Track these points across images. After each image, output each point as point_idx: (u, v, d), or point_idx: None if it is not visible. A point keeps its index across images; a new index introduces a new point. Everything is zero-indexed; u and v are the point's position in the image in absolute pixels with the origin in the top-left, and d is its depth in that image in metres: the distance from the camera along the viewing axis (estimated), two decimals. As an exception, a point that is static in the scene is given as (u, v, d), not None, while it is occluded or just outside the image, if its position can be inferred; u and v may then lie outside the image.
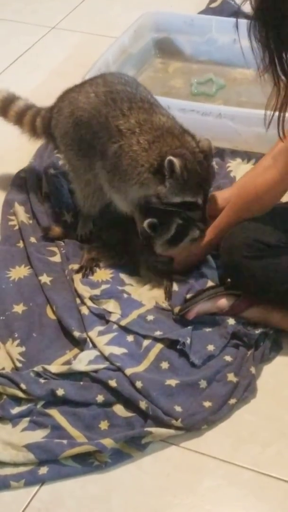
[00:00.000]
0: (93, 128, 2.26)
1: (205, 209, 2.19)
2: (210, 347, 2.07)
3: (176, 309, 2.14)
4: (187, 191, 2.14)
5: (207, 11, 3.44)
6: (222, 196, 2.29)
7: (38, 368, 2.04)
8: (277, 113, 1.83)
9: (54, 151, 2.62)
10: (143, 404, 1.93)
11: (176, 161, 2.09)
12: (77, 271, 2.32)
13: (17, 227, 2.50)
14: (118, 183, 2.23)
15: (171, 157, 2.09)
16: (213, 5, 3.46)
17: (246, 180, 2.16)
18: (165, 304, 2.21)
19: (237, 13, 3.24)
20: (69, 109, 2.33)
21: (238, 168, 2.64)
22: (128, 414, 1.95)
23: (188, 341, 2.06)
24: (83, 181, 2.36)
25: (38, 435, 1.92)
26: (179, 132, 2.20)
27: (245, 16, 3.31)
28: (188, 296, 2.13)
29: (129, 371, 2.00)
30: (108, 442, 1.87)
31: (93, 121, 2.26)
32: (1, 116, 2.59)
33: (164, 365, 2.05)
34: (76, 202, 2.45)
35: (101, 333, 2.12)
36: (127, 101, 2.24)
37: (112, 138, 2.21)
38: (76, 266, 2.33)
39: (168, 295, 2.22)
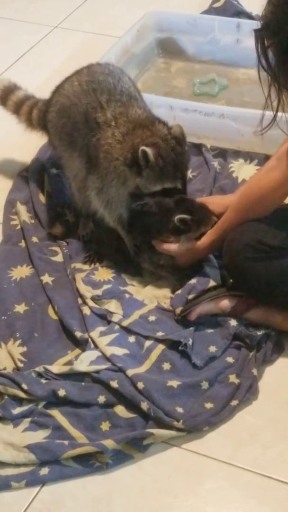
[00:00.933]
0: (73, 118, 2.27)
1: (185, 193, 2.22)
2: (212, 348, 2.07)
3: (178, 310, 2.14)
4: (165, 177, 2.15)
5: (210, 11, 3.43)
6: (221, 201, 2.27)
7: (39, 368, 2.04)
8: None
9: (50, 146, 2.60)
10: (144, 405, 1.93)
11: (149, 150, 2.10)
12: (85, 261, 2.34)
13: (19, 227, 2.50)
14: (98, 181, 2.23)
15: (143, 147, 2.10)
16: (216, 5, 3.46)
17: (251, 182, 2.16)
18: (167, 305, 2.20)
19: (240, 13, 3.28)
20: (56, 98, 2.36)
21: (241, 169, 2.64)
22: (130, 415, 1.95)
23: (190, 342, 2.05)
24: (71, 172, 2.36)
25: (39, 436, 1.91)
26: (150, 122, 2.20)
27: (248, 16, 3.34)
28: (190, 296, 2.13)
29: (130, 372, 2.00)
30: (109, 443, 1.86)
31: (73, 109, 2.27)
32: (0, 104, 2.61)
33: (166, 366, 2.04)
34: (72, 198, 2.44)
35: (102, 334, 2.11)
36: (107, 92, 2.25)
37: (92, 131, 2.22)
38: (78, 265, 2.33)
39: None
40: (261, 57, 1.72)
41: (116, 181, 2.20)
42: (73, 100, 2.27)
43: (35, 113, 2.52)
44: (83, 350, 2.09)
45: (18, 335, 2.15)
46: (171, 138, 2.17)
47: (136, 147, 2.13)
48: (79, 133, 2.26)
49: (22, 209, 2.54)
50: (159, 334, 2.10)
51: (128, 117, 2.20)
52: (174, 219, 2.17)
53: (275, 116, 1.87)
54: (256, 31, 1.70)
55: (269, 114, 1.88)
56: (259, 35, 1.69)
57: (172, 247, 2.22)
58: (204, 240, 2.19)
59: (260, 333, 2.08)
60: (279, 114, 1.86)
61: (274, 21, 1.65)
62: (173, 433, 1.90)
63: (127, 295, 2.22)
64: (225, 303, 2.14)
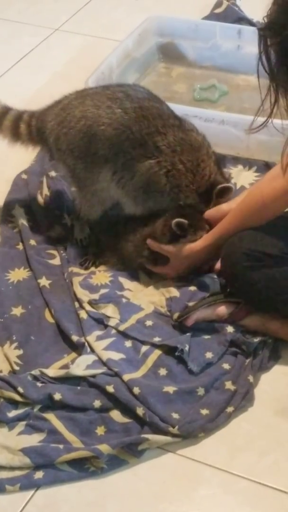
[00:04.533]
0: (121, 145, 2.24)
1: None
2: (209, 355, 2.07)
3: (175, 315, 2.14)
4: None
5: (211, 16, 3.44)
6: (219, 208, 2.27)
7: (35, 372, 2.03)
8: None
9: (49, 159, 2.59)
10: (140, 411, 1.93)
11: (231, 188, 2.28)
12: (81, 264, 2.34)
13: (17, 229, 2.50)
14: (145, 198, 2.28)
15: (229, 185, 2.28)
16: (218, 10, 3.47)
17: (253, 189, 2.16)
18: (164, 310, 2.20)
19: (241, 19, 3.29)
20: (84, 123, 2.26)
21: (240, 175, 2.64)
22: (125, 420, 1.94)
23: (187, 348, 2.05)
24: (89, 191, 2.33)
25: (34, 439, 1.91)
26: (211, 153, 2.30)
27: (249, 23, 3.35)
28: (191, 304, 2.13)
29: (126, 376, 2.00)
30: (104, 447, 1.86)
31: (122, 136, 2.23)
32: None
33: (162, 371, 2.04)
34: (76, 209, 2.43)
35: (99, 338, 2.11)
36: (159, 117, 2.25)
37: (148, 153, 2.23)
38: (76, 269, 2.33)
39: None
40: (262, 56, 1.73)
41: (169, 200, 2.26)
42: (119, 128, 2.23)
43: (23, 128, 2.43)
44: (80, 354, 2.09)
45: (14, 338, 2.14)
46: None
47: (212, 181, 2.26)
48: (124, 156, 2.25)
49: (20, 211, 2.54)
50: (156, 339, 2.10)
51: (191, 144, 2.25)
52: (172, 223, 2.18)
53: (270, 115, 1.88)
54: (259, 30, 1.71)
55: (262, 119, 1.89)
56: (263, 34, 1.70)
57: (166, 247, 2.22)
58: (200, 244, 2.19)
59: (256, 340, 2.08)
60: (279, 121, 1.87)
61: (278, 20, 1.66)
62: (168, 438, 1.90)
63: (124, 300, 2.22)
64: (222, 310, 2.14)
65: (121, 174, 2.27)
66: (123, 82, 2.61)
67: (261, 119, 2.02)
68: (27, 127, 2.43)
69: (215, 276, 2.23)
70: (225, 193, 2.24)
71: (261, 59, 1.72)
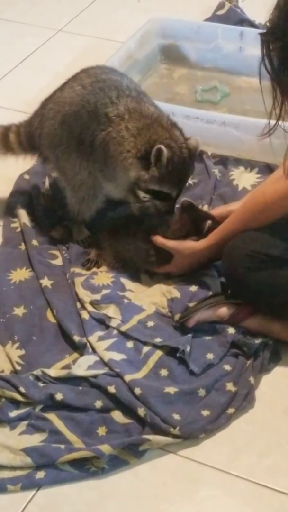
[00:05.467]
0: (81, 119, 2.26)
1: (175, 203, 2.26)
2: (210, 356, 2.07)
3: (177, 316, 2.15)
4: (166, 182, 2.19)
5: (214, 18, 3.45)
6: (226, 207, 2.28)
7: (37, 372, 2.04)
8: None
9: (42, 163, 2.59)
10: (141, 411, 1.93)
11: (165, 150, 2.13)
12: (83, 264, 2.35)
13: (19, 230, 2.51)
14: (107, 171, 2.26)
15: (161, 146, 2.14)
16: (220, 12, 3.47)
17: (256, 191, 2.16)
18: (165, 310, 2.21)
19: (243, 21, 3.29)
20: (54, 110, 2.34)
21: (241, 177, 2.65)
22: (126, 420, 1.95)
23: (188, 349, 2.06)
24: (77, 182, 2.35)
25: (35, 439, 1.92)
26: (168, 124, 2.24)
27: (251, 24, 3.35)
28: (192, 304, 2.13)
29: (128, 377, 2.00)
30: (105, 448, 1.87)
31: (81, 111, 2.26)
32: None
33: (163, 372, 2.05)
34: (69, 209, 2.44)
35: (101, 338, 2.12)
36: (115, 89, 2.26)
37: (101, 125, 2.23)
38: (78, 269, 2.33)
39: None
40: (265, 61, 1.74)
41: (122, 172, 2.23)
42: (79, 103, 2.27)
43: (12, 137, 2.47)
44: (81, 355, 2.10)
45: (16, 338, 2.15)
46: (185, 148, 2.20)
47: (152, 143, 2.16)
48: (87, 133, 2.26)
49: (22, 212, 2.55)
50: (157, 340, 2.10)
51: (142, 112, 2.23)
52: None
53: (278, 121, 1.88)
54: (261, 34, 1.72)
55: (273, 123, 1.89)
56: (265, 39, 1.71)
57: (171, 243, 2.23)
58: (203, 243, 2.20)
59: (257, 341, 2.09)
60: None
61: (280, 25, 1.67)
62: (169, 439, 1.90)
63: (125, 300, 2.23)
64: (224, 311, 2.14)
65: (90, 151, 2.27)
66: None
67: (263, 121, 2.03)
68: (16, 136, 2.48)
69: (215, 273, 2.23)
70: (159, 156, 2.15)
71: (264, 64, 1.72)
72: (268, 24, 1.69)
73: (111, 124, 2.22)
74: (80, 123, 2.27)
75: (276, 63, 1.71)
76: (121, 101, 2.23)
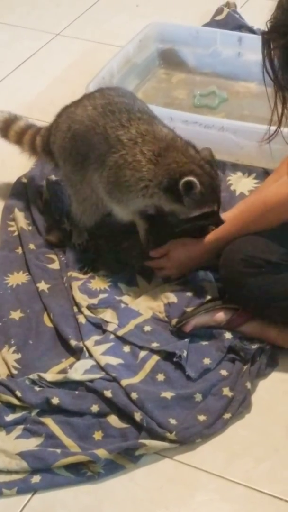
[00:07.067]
0: (89, 140, 2.26)
1: (219, 213, 2.23)
2: (206, 361, 2.07)
3: (174, 321, 2.15)
4: (205, 203, 2.17)
5: (212, 23, 3.44)
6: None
7: (33, 376, 2.04)
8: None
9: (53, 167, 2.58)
10: (137, 416, 1.93)
11: (194, 180, 2.11)
12: (79, 269, 2.34)
13: (16, 233, 2.50)
14: (119, 194, 2.24)
15: (190, 178, 2.11)
16: (218, 18, 3.47)
17: (256, 195, 2.16)
18: (162, 315, 2.21)
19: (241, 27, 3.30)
20: (66, 124, 2.34)
21: (239, 182, 2.65)
22: (123, 425, 1.95)
23: (185, 353, 2.06)
24: (81, 195, 2.35)
25: (31, 443, 1.91)
26: (182, 145, 2.21)
27: (250, 30, 3.36)
28: (189, 309, 2.13)
29: (124, 382, 2.00)
30: (101, 452, 1.86)
31: (90, 132, 2.26)
32: (1, 136, 2.59)
33: (160, 377, 2.04)
34: (73, 214, 2.44)
35: (97, 343, 2.12)
36: (126, 112, 2.25)
37: (112, 148, 2.22)
38: (75, 273, 2.33)
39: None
40: (266, 61, 1.75)
41: (142, 199, 2.21)
42: (88, 124, 2.26)
43: (38, 140, 2.50)
44: (78, 359, 2.09)
45: (13, 342, 2.15)
46: (204, 162, 2.19)
47: (173, 174, 2.14)
48: (96, 153, 2.25)
49: (20, 215, 2.54)
50: (154, 345, 2.10)
51: (155, 135, 2.21)
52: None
53: (279, 125, 1.89)
54: (263, 33, 1.73)
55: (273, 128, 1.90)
56: (267, 37, 1.72)
57: (167, 246, 2.25)
58: (202, 244, 2.19)
59: (254, 346, 2.09)
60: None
61: (283, 23, 1.68)
62: (165, 444, 1.90)
63: (122, 305, 2.23)
64: (221, 316, 2.14)
65: (98, 170, 2.26)
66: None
67: (261, 127, 2.04)
68: (41, 139, 2.50)
69: (212, 278, 2.23)
70: (190, 188, 2.13)
71: (265, 64, 1.74)
72: (269, 23, 1.71)
73: (124, 147, 2.20)
74: (88, 143, 2.26)
75: (277, 62, 1.73)
76: (133, 124, 2.22)
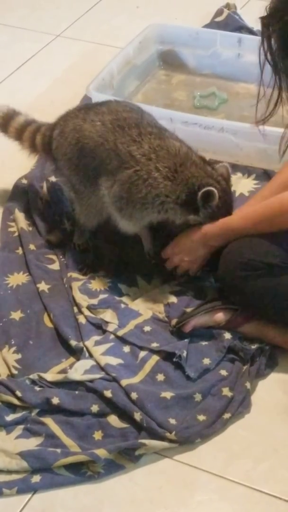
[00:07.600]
0: (99, 156, 2.24)
1: None
2: (206, 361, 2.08)
3: (173, 321, 2.15)
4: (217, 219, 2.17)
5: (212, 25, 3.44)
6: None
7: (33, 376, 2.04)
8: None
9: (53, 170, 2.59)
10: (137, 416, 1.93)
11: (214, 190, 2.12)
12: (79, 269, 2.34)
13: (16, 234, 2.51)
14: (132, 210, 2.21)
15: (210, 188, 2.12)
16: (218, 19, 3.47)
17: (276, 195, 2.14)
18: (162, 315, 2.21)
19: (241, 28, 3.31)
20: (74, 137, 2.31)
21: (239, 183, 2.65)
22: (123, 425, 1.95)
23: (184, 354, 2.06)
24: (85, 203, 2.34)
25: (32, 443, 1.92)
26: (199, 161, 2.21)
27: (249, 31, 3.37)
28: (188, 310, 2.14)
29: (124, 382, 2.00)
30: (101, 452, 1.87)
31: (100, 148, 2.24)
32: (1, 132, 2.57)
33: (160, 377, 2.05)
34: (75, 215, 2.44)
35: (97, 343, 2.12)
36: (135, 127, 2.24)
37: (124, 163, 2.20)
38: (75, 274, 2.33)
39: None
40: (264, 45, 1.77)
41: (157, 214, 2.20)
42: (98, 140, 2.24)
43: (38, 139, 2.48)
44: (78, 359, 2.10)
45: (13, 342, 2.15)
46: (221, 179, 2.21)
47: (191, 187, 2.14)
48: (106, 168, 2.24)
49: (20, 216, 2.55)
50: (154, 345, 2.11)
51: (168, 150, 2.19)
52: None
53: (275, 107, 1.91)
54: (262, 17, 1.74)
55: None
56: (265, 21, 1.74)
57: (177, 239, 2.24)
58: (214, 227, 2.17)
59: (254, 347, 2.09)
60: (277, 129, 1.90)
61: (280, 7, 1.70)
62: (165, 444, 1.91)
63: (122, 305, 2.23)
64: (220, 316, 2.14)
65: (107, 183, 2.25)
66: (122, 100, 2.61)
67: (261, 128, 2.05)
68: (41, 138, 2.47)
69: (213, 283, 2.24)
70: (209, 199, 2.14)
71: (263, 46, 1.75)
72: (268, 8, 1.73)
73: (138, 163, 2.18)
74: (97, 159, 2.25)
75: (275, 46, 1.74)
76: (144, 139, 2.20)
